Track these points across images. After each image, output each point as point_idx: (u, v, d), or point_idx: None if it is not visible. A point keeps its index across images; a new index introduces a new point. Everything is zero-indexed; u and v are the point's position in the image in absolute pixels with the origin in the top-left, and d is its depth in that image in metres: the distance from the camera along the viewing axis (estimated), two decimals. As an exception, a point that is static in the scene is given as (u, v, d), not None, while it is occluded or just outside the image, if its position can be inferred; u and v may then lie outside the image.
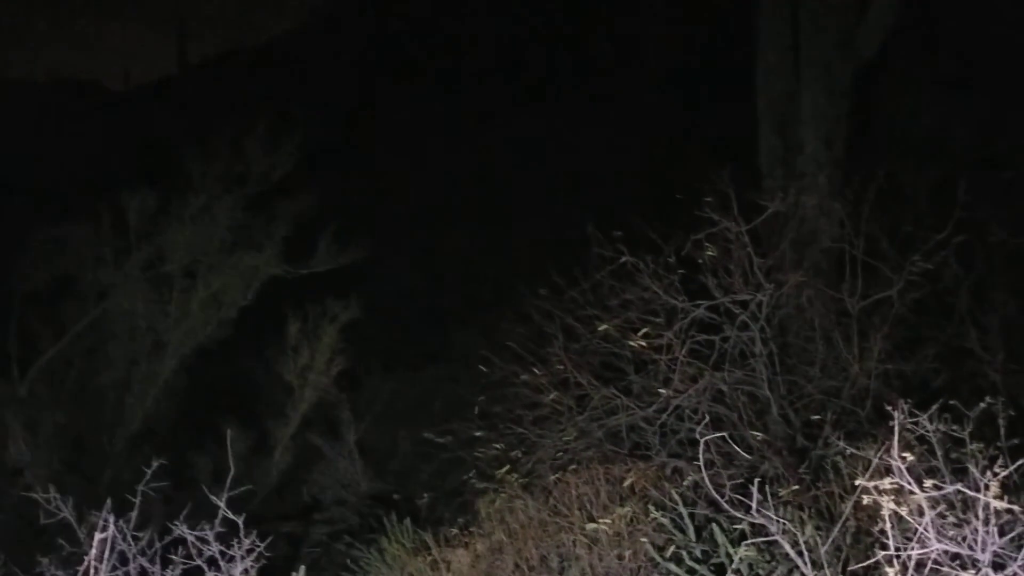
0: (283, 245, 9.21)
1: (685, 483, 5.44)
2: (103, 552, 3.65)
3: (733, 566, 4.38)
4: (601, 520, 5.34)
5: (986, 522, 3.10)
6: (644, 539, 5.09)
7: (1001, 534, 3.12)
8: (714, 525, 4.74)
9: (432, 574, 5.82)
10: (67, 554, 4.32)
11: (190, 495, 5.32)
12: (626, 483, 5.67)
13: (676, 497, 5.08)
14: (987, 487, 3.11)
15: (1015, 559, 3.08)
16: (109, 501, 3.78)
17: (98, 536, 3.64)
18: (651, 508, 5.22)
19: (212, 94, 21.59)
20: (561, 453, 6.42)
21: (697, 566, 4.64)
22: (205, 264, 8.91)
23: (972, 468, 3.25)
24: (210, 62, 25.91)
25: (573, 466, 6.08)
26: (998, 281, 6.81)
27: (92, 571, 3.62)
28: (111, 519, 3.72)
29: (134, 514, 3.99)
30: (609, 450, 6.23)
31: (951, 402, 3.98)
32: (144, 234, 8.91)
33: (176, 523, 4.06)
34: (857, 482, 3.30)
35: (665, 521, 5.02)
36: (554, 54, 18.97)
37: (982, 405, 3.92)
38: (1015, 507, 3.16)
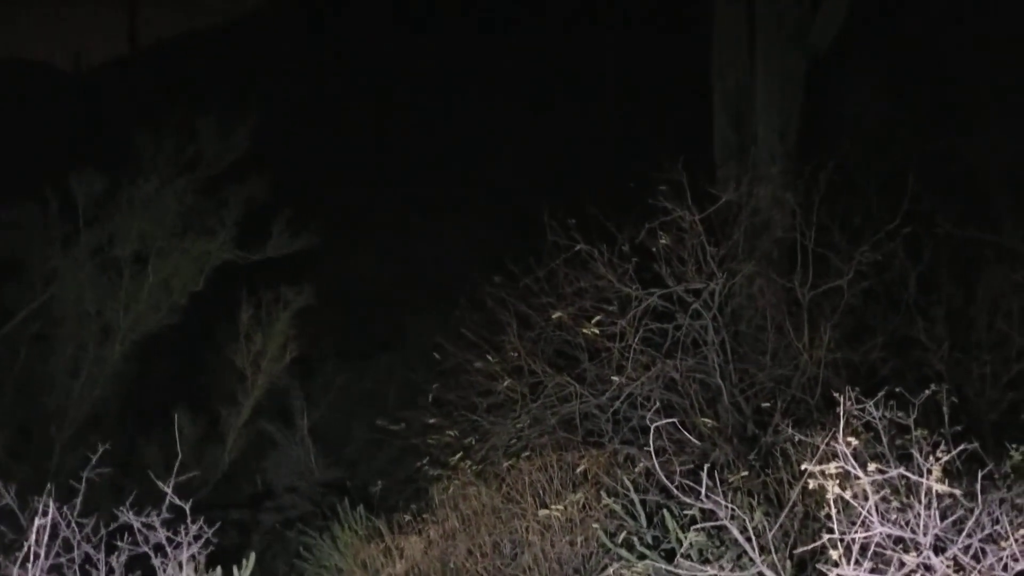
0: (235, 230, 9.09)
1: (637, 470, 5.47)
2: (43, 538, 3.58)
3: (683, 551, 4.42)
4: (554, 506, 5.37)
5: (928, 506, 3.15)
6: (596, 525, 5.12)
7: (942, 518, 3.17)
8: (665, 511, 4.78)
9: (385, 561, 5.80)
10: (9, 541, 4.25)
11: (138, 483, 5.25)
12: (579, 470, 5.70)
13: (628, 484, 5.11)
14: (929, 472, 3.17)
15: (955, 542, 3.14)
16: (50, 486, 3.71)
17: (38, 521, 3.58)
18: (603, 495, 5.26)
19: (164, 76, 21.29)
20: (514, 440, 6.44)
21: (648, 552, 4.67)
22: (155, 249, 8.76)
23: (916, 453, 3.30)
24: (163, 44, 25.51)
25: (526, 453, 6.10)
26: (944, 272, 6.92)
27: (32, 557, 3.56)
28: (51, 504, 3.66)
29: (78, 500, 3.93)
30: (562, 437, 6.26)
31: (897, 390, 4.03)
32: (93, 218, 8.74)
33: (122, 509, 4.01)
34: (804, 466, 3.33)
35: (617, 507, 5.06)
36: (509, 46, 18.93)
37: (927, 392, 3.97)
38: (956, 491, 3.21)
